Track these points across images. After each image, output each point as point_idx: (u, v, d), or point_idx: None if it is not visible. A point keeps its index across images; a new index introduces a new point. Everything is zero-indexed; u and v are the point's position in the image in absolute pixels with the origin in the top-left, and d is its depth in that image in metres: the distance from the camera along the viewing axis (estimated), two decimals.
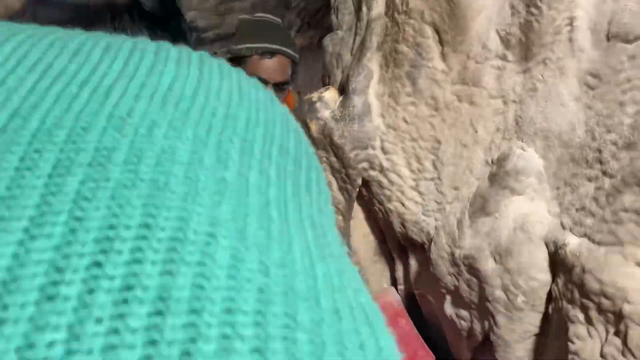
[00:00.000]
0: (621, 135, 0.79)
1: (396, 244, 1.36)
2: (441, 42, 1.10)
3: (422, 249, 1.26)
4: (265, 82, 1.87)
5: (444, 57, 1.10)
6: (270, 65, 1.38)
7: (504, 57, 1.03)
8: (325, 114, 1.22)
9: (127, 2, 0.71)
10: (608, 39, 0.87)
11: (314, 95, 1.23)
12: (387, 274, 1.52)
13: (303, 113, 1.24)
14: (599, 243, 0.77)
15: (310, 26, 3.34)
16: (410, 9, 1.11)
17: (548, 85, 0.96)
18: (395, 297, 1.51)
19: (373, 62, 1.20)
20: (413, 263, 1.34)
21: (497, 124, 1.06)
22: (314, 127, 1.23)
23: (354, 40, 1.31)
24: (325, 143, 1.24)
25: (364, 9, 1.25)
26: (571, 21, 0.94)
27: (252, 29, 1.72)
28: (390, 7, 1.17)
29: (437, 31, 1.10)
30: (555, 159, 0.94)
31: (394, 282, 1.52)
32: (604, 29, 0.89)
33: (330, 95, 1.22)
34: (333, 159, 1.26)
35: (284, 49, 1.40)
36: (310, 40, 3.62)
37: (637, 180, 0.73)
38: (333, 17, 1.47)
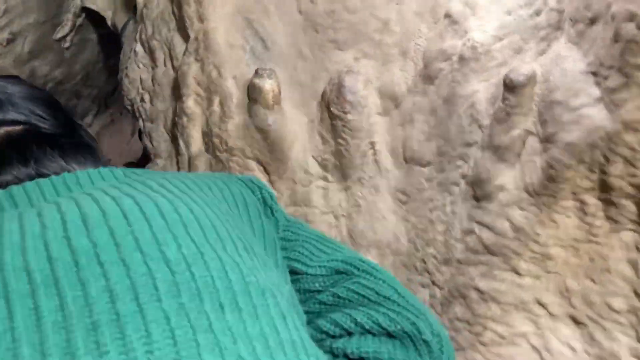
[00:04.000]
0: (439, 251, 0.95)
1: None
2: (267, 171, 1.17)
3: None
4: None
5: (272, 184, 1.18)
6: None
7: (325, 179, 1.15)
8: None
9: (21, 131, 0.60)
10: (406, 161, 1.04)
11: None
12: None
13: None
14: None
15: (108, 107, 3.18)
16: (230, 148, 1.16)
17: (368, 202, 1.10)
18: None
19: None
20: None
21: (334, 237, 1.17)
22: None
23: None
24: None
25: (182, 143, 1.26)
26: (373, 146, 1.09)
27: None
28: (209, 145, 1.20)
29: (261, 163, 1.17)
30: (390, 265, 1.08)
31: None
32: (400, 152, 1.05)
33: None
34: None
35: None
36: (111, 117, 3.45)
37: (461, 294, 0.89)
38: (146, 141, 1.45)
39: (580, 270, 0.76)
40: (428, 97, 1.01)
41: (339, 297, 0.67)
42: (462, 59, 0.93)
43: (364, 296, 0.66)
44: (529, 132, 0.79)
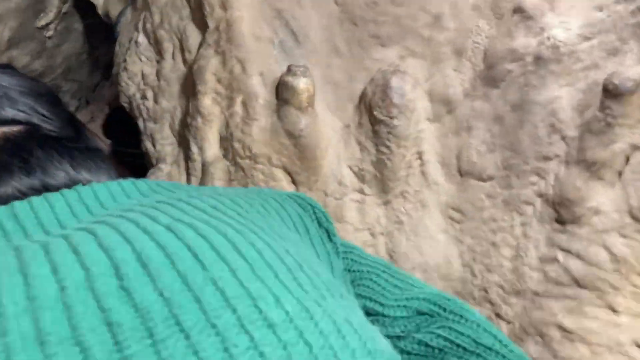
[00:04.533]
0: (506, 279, 0.83)
1: None
2: (295, 182, 1.03)
3: None
4: None
5: None
6: None
7: (361, 191, 1.02)
8: None
9: (22, 132, 0.49)
10: (461, 174, 0.91)
11: None
12: None
13: None
14: None
15: (89, 103, 2.97)
16: (255, 154, 1.01)
17: (413, 219, 0.97)
18: None
19: None
20: None
21: None
22: None
23: (188, 180, 1.15)
24: None
25: (194, 148, 1.11)
26: (420, 155, 0.97)
27: None
28: (229, 151, 1.05)
29: (288, 173, 1.03)
30: None
31: None
32: (454, 163, 0.93)
33: None
34: None
35: None
36: (91, 115, 3.23)
37: (538, 331, 0.78)
38: (148, 145, 1.29)
39: None
40: (491, 102, 0.89)
41: (426, 345, 0.55)
42: (538, 59, 0.81)
43: (458, 345, 0.54)
44: (635, 147, 0.68)
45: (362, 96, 1.00)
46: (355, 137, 1.01)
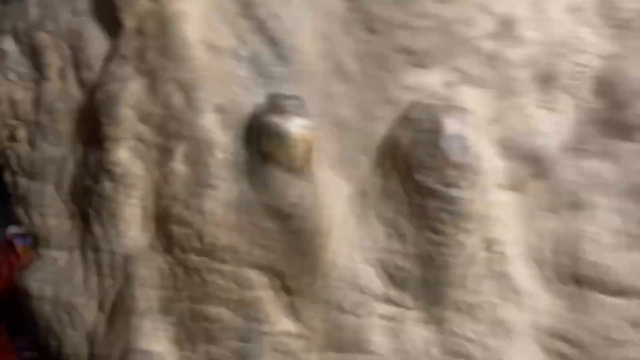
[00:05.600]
0: None
1: None
2: (286, 289, 0.61)
3: None
4: None
5: (295, 313, 0.62)
6: None
7: (393, 302, 0.62)
8: None
9: None
10: (576, 282, 0.55)
11: None
12: None
13: None
14: None
15: None
16: (214, 247, 0.59)
17: (489, 352, 0.59)
18: None
19: (157, 339, 0.62)
20: None
21: None
22: None
23: (101, 284, 0.68)
24: None
25: (100, 230, 0.65)
26: (489, 245, 0.59)
27: None
28: (163, 239, 0.61)
29: (276, 275, 0.60)
30: None
31: None
32: (552, 260, 0.57)
33: None
34: None
35: None
36: None
37: None
38: (20, 212, 0.80)
39: None
40: (619, 162, 0.54)
41: None
42: None
43: None
44: None
45: (388, 145, 0.62)
46: (378, 212, 0.62)
